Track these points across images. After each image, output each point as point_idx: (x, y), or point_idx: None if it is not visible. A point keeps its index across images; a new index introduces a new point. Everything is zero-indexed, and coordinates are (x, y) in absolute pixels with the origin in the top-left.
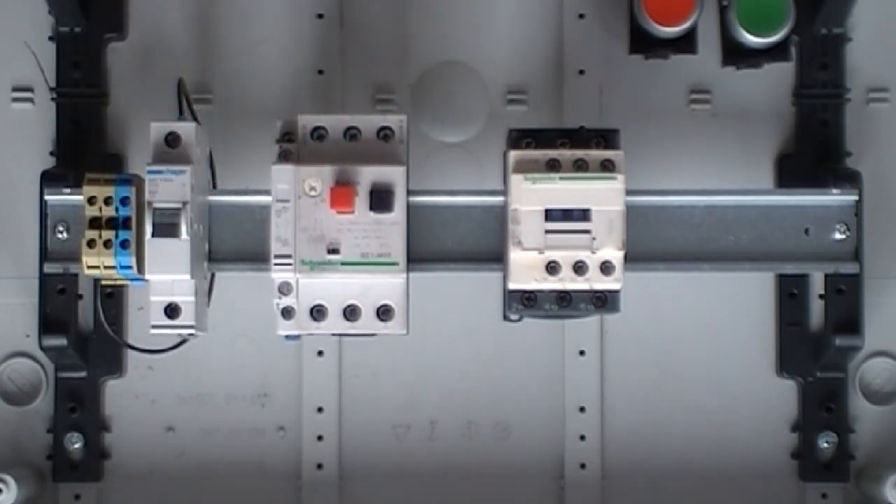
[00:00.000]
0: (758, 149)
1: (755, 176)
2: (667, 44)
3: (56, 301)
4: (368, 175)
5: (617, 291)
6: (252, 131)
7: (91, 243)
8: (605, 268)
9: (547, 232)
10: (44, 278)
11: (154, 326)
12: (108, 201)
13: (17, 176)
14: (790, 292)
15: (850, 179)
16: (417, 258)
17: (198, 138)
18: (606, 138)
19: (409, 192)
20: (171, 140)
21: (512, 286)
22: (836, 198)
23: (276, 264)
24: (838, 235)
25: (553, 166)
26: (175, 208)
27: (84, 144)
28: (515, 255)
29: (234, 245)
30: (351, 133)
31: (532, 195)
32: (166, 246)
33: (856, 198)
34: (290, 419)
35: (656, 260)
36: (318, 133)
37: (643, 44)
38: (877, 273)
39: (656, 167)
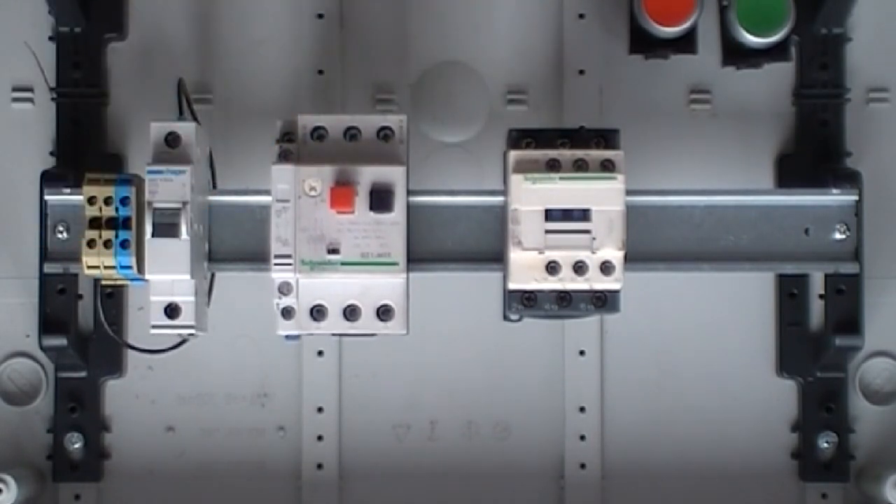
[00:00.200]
0: (758, 149)
1: (755, 176)
2: (667, 44)
3: (56, 301)
4: (368, 175)
5: (617, 291)
6: (252, 131)
7: (91, 243)
8: (605, 268)
9: (547, 232)
10: (44, 278)
11: (154, 326)
12: (108, 201)
13: (17, 176)
14: (790, 292)
15: (850, 179)
16: (417, 258)
17: (198, 138)
18: (606, 138)
19: (409, 192)
20: (171, 140)
21: (512, 286)
22: (836, 198)
23: (276, 264)
24: (838, 235)
25: (553, 166)
26: (175, 208)
27: (84, 144)
28: (515, 255)
29: (234, 245)
30: (351, 133)
31: (532, 195)
32: (166, 246)
33: (856, 198)
34: (290, 419)
35: (656, 260)
36: (318, 133)
37: (643, 44)
38: (877, 273)
39: (656, 167)
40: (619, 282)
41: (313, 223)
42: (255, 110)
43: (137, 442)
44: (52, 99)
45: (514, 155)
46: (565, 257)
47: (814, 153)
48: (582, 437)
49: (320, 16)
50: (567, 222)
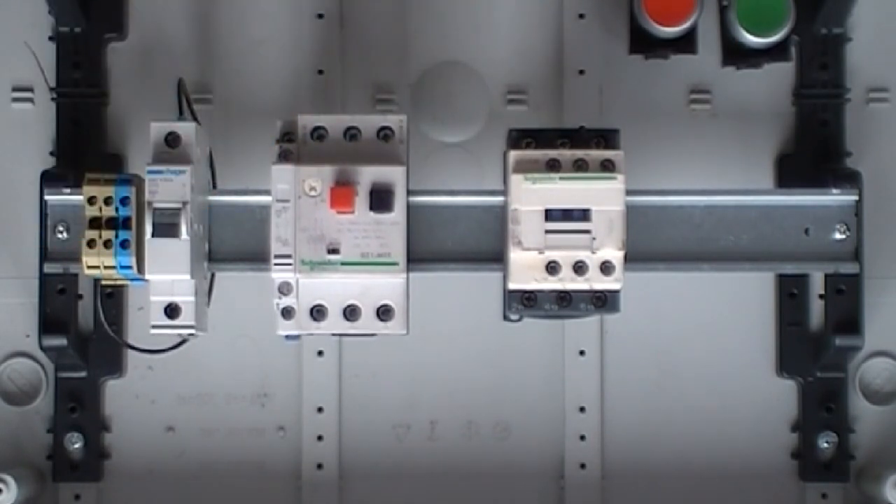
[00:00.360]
0: (758, 149)
1: (755, 176)
2: (667, 44)
3: (56, 301)
4: (368, 175)
5: (617, 291)
6: (252, 131)
7: (91, 243)
8: (605, 268)
9: (547, 232)
10: (44, 278)
11: (154, 326)
12: (108, 201)
13: (17, 176)
14: (790, 292)
15: (850, 179)
16: (417, 258)
17: (198, 138)
18: (606, 138)
19: (409, 192)
20: (171, 140)
21: (512, 286)
22: (836, 198)
23: (276, 264)
24: (838, 235)
25: (553, 166)
26: (175, 208)
27: (84, 144)
28: (515, 255)
29: (234, 245)
30: (351, 133)
31: (532, 195)
32: (166, 246)
33: (856, 198)
34: (290, 419)
35: (656, 260)
36: (318, 133)
37: (643, 44)
38: (877, 273)
39: (656, 167)
40: (619, 282)
41: (313, 223)
42: (255, 110)
43: (137, 442)
44: (52, 99)
45: (514, 155)
46: (565, 257)
47: (814, 153)
48: (582, 437)
49: (320, 16)
50: (567, 222)
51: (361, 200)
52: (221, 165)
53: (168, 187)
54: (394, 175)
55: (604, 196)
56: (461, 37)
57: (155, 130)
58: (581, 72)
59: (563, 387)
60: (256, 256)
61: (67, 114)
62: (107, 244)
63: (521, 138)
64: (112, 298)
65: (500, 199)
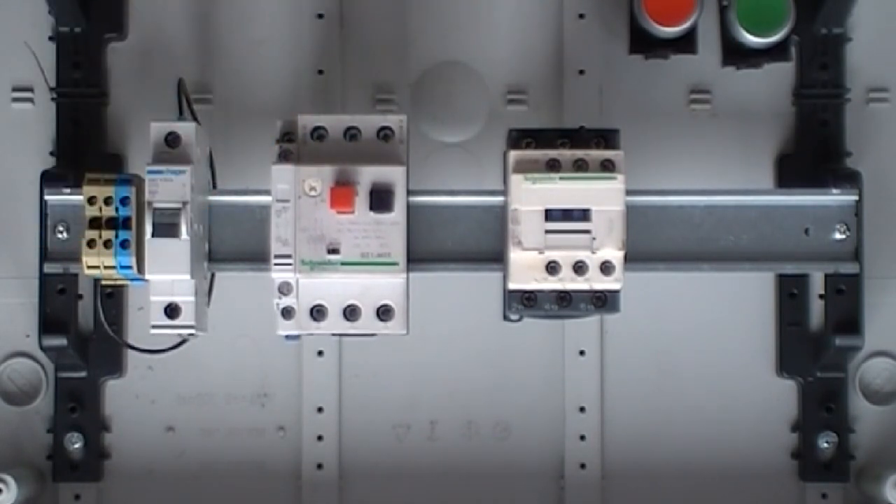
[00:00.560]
0: (758, 149)
1: (755, 176)
2: (667, 44)
3: (56, 301)
4: (368, 175)
5: (617, 291)
6: (252, 131)
7: (91, 243)
8: (605, 268)
9: (547, 232)
10: (44, 278)
11: (154, 326)
12: (108, 201)
13: (17, 176)
14: (790, 292)
15: (850, 179)
16: (417, 258)
17: (198, 138)
18: (606, 138)
19: (409, 192)
20: (171, 140)
21: (512, 286)
22: (836, 198)
23: (276, 264)
24: (838, 235)
25: (553, 166)
26: (175, 208)
27: (84, 144)
28: (515, 255)
29: (234, 245)
30: (351, 133)
31: (532, 195)
32: (166, 246)
33: (856, 198)
34: (290, 419)
35: (656, 260)
36: (318, 133)
37: (643, 44)
38: (877, 273)
39: (656, 167)
40: (619, 282)
41: (313, 223)
42: (255, 110)
43: (137, 442)
44: (52, 99)
45: (514, 155)
46: (565, 257)
47: (814, 153)
48: (582, 437)
49: (320, 16)
50: (567, 222)
51: (361, 200)
52: (221, 165)
53: (168, 187)
54: (394, 175)
55: (604, 196)
56: (461, 37)
57: (155, 130)
58: (581, 72)
59: (563, 387)
60: (256, 256)
61: (67, 114)
62: (107, 244)
63: (521, 138)
64: (112, 298)
65: (500, 199)
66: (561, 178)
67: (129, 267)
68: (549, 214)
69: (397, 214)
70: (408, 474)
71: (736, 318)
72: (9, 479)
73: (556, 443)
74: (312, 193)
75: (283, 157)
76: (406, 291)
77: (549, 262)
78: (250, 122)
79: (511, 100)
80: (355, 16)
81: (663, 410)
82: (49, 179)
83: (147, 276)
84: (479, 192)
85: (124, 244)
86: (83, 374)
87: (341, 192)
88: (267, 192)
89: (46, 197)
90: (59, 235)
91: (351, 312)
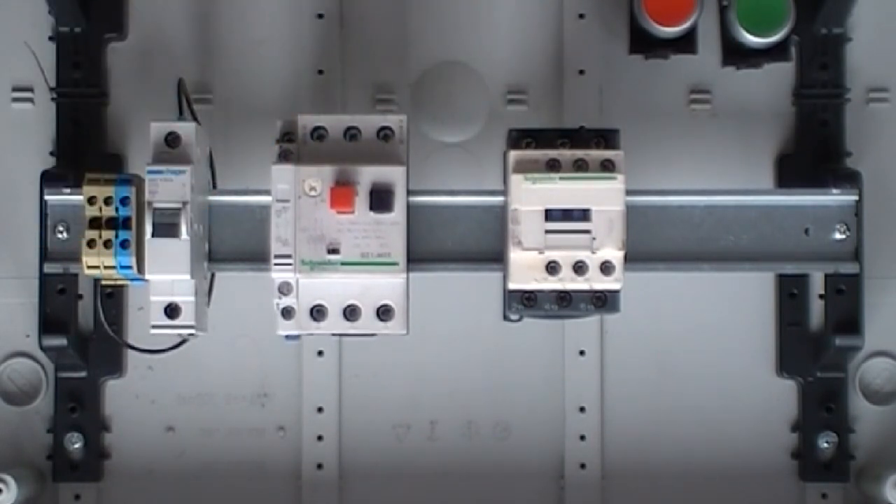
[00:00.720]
0: (758, 149)
1: (755, 176)
2: (667, 44)
3: (56, 301)
4: (368, 175)
5: (617, 291)
6: (252, 131)
7: (91, 243)
8: (605, 268)
9: (547, 232)
10: (44, 278)
11: (154, 326)
12: (108, 201)
13: (17, 176)
14: (790, 292)
15: (850, 179)
16: (417, 258)
17: (198, 138)
18: (606, 138)
19: (409, 192)
20: (171, 140)
21: (512, 286)
22: (836, 198)
23: (276, 264)
24: (838, 235)
25: (553, 166)
26: (175, 208)
27: (84, 144)
28: (515, 255)
29: (234, 245)
30: (351, 133)
31: (532, 195)
32: (166, 246)
33: (856, 198)
34: (290, 419)
35: (656, 260)
36: (318, 133)
37: (643, 44)
38: (877, 273)
39: (656, 167)
40: (619, 282)
41: (313, 223)
42: (255, 110)
43: (137, 442)
44: (52, 99)
45: (514, 155)
46: (565, 257)
47: (814, 153)
48: (582, 437)
49: (320, 16)
50: (567, 222)
51: (361, 200)
52: (221, 165)
53: (168, 187)
54: (394, 175)
55: (604, 196)
56: (461, 37)
57: (155, 130)
58: (581, 72)
59: (563, 387)
60: (256, 256)
61: (67, 114)
62: (107, 244)
63: (521, 138)
64: (112, 298)
65: (500, 199)
66: (561, 178)
67: (129, 267)
68: (549, 214)
69: (397, 214)
70: (408, 474)
71: (736, 318)
72: (9, 479)
73: (556, 443)
74: (312, 193)
75: (283, 157)
76: (406, 291)
77: (549, 262)
78: (250, 122)
79: (511, 100)
80: (355, 16)
81: (663, 410)
82: (49, 179)
83: (147, 276)
84: (479, 192)
85: (124, 244)
86: (83, 374)
87: (341, 192)
88: (267, 192)
89: (46, 197)
90: (59, 235)
91: (351, 312)
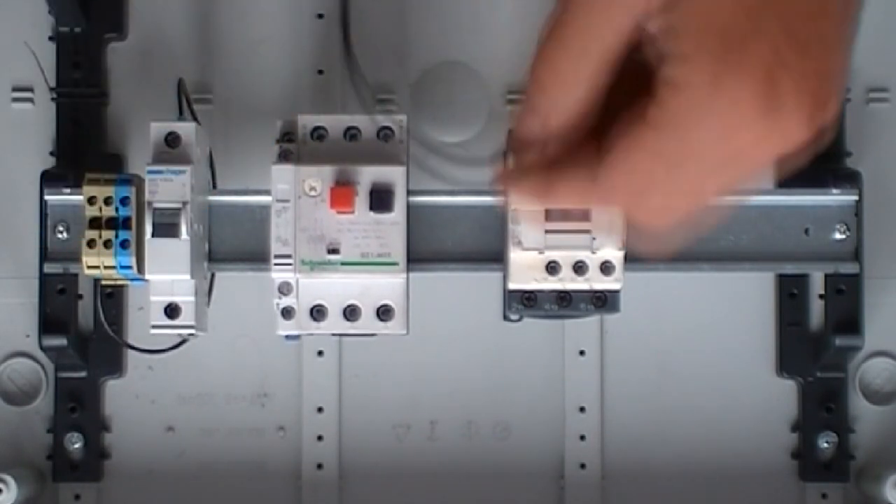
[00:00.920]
0: None
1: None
2: None
3: (56, 301)
4: (368, 175)
5: (617, 291)
6: (252, 131)
7: (91, 243)
8: (605, 268)
9: (547, 232)
10: (44, 278)
11: (154, 326)
12: (108, 201)
13: (17, 176)
14: (790, 292)
15: (850, 179)
16: (417, 258)
17: (198, 138)
18: None
19: (409, 192)
20: (171, 140)
21: (512, 286)
22: (836, 198)
23: (276, 264)
24: (838, 235)
25: None
26: (175, 208)
27: (84, 144)
28: (515, 255)
29: (234, 245)
30: (351, 133)
31: None
32: (166, 246)
33: (856, 198)
34: (290, 419)
35: (656, 260)
36: (318, 133)
37: None
38: (877, 273)
39: None
40: (619, 282)
41: (313, 223)
42: (255, 110)
43: (137, 442)
44: (52, 99)
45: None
46: (565, 257)
47: (814, 153)
48: (582, 437)
49: (320, 16)
50: (567, 222)
51: (361, 200)
52: (221, 165)
53: (168, 187)
54: (394, 175)
55: None
56: (461, 37)
57: (155, 130)
58: None
59: (563, 387)
60: (256, 256)
61: (67, 114)
62: (107, 244)
63: None
64: (112, 298)
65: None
66: None
67: (129, 267)
68: (549, 214)
69: (397, 214)
70: (408, 474)
71: (736, 318)
72: (9, 479)
73: (556, 443)
74: (312, 193)
75: (283, 157)
76: (406, 291)
77: (549, 262)
78: (250, 122)
79: (511, 100)
80: (355, 16)
81: (663, 410)
82: (49, 179)
83: (147, 276)
84: (479, 192)
85: (124, 244)
86: (83, 374)
87: (341, 192)
88: (267, 192)
89: (46, 197)
90: (59, 235)
91: (351, 312)
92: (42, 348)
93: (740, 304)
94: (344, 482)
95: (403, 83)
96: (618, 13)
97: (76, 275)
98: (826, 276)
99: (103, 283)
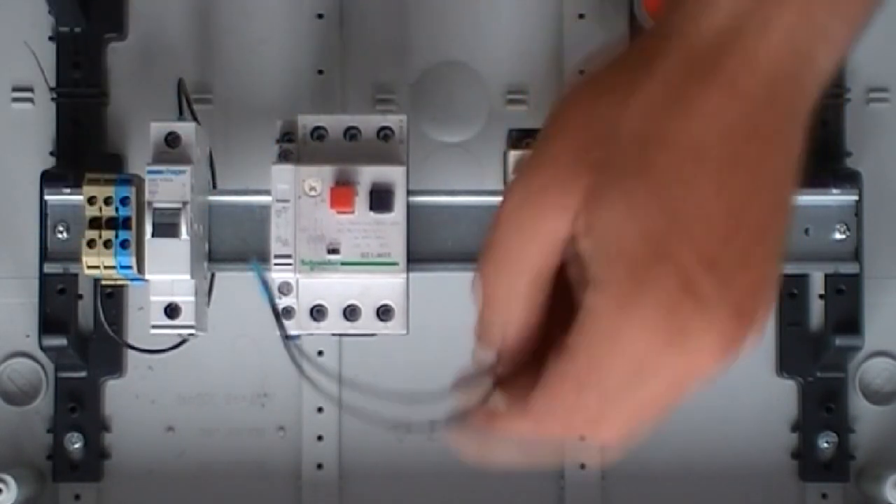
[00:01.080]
0: None
1: None
2: None
3: (56, 301)
4: (368, 175)
5: None
6: (252, 131)
7: (91, 243)
8: None
9: None
10: (44, 278)
11: (154, 326)
12: (108, 201)
13: (17, 176)
14: (790, 292)
15: (850, 179)
16: (417, 258)
17: (198, 138)
18: None
19: (409, 192)
20: (171, 140)
21: None
22: (836, 198)
23: (276, 264)
24: (838, 235)
25: None
26: (175, 208)
27: (84, 144)
28: None
29: (234, 245)
30: (351, 133)
31: None
32: (166, 246)
33: (856, 198)
34: (290, 419)
35: None
36: (318, 133)
37: None
38: (877, 273)
39: None
40: None
41: (313, 223)
42: (255, 110)
43: (137, 442)
44: (52, 99)
45: (514, 155)
46: None
47: (814, 153)
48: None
49: (320, 16)
50: None
51: (361, 200)
52: (221, 165)
53: (168, 187)
54: (394, 175)
55: None
56: (461, 37)
57: (155, 130)
58: (581, 72)
59: None
60: (256, 256)
61: (67, 114)
62: (107, 244)
63: (521, 138)
64: (112, 298)
65: (500, 199)
66: None
67: (129, 267)
68: None
69: (397, 214)
70: (408, 474)
71: None
72: (9, 479)
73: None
74: (312, 193)
75: (283, 157)
76: (406, 291)
77: None
78: (250, 122)
79: (511, 100)
80: (355, 16)
81: None
82: (49, 179)
83: (147, 276)
84: (479, 192)
85: (124, 244)
86: (83, 374)
87: (341, 192)
88: (267, 192)
89: (46, 197)
90: (59, 235)
91: (351, 312)
92: (42, 348)
93: None
94: (344, 482)
95: (403, 83)
96: (543, 236)
97: (76, 275)
98: (826, 275)
99: (103, 283)
